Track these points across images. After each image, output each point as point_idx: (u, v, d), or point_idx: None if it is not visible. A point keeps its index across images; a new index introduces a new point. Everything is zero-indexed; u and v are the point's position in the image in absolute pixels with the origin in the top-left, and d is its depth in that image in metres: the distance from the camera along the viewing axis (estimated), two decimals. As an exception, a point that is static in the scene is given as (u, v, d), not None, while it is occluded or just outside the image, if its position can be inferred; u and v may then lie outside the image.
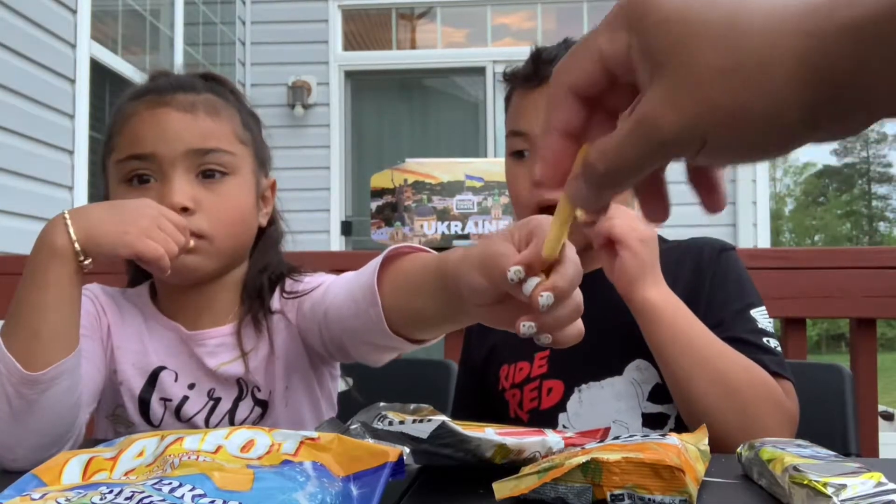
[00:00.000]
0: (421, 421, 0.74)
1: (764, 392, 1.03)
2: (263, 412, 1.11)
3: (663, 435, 0.76)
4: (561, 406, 1.14)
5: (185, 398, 1.10)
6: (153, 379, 1.10)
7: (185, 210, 1.03)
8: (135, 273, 1.20)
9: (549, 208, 1.11)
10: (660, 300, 1.04)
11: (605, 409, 1.11)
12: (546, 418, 1.14)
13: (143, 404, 1.10)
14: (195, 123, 1.07)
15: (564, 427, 1.12)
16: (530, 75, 1.18)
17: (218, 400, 1.10)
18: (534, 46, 1.19)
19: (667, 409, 1.10)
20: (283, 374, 1.11)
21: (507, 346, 1.23)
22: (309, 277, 1.12)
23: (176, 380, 1.10)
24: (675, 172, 0.49)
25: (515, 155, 1.19)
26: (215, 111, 1.09)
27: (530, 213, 1.14)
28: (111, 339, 1.12)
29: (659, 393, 1.10)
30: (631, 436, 0.78)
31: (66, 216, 0.94)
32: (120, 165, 1.07)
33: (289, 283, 1.13)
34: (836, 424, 1.31)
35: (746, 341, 1.07)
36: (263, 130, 1.19)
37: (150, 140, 1.05)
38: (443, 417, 0.73)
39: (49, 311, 0.92)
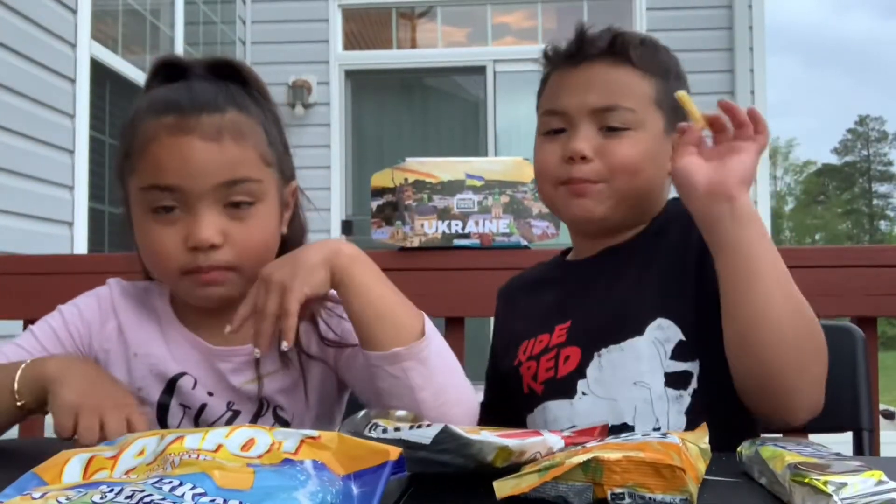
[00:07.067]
0: (419, 426, 0.73)
1: (818, 329, 1.01)
2: None
3: (666, 437, 0.76)
4: (579, 372, 1.12)
5: (205, 405, 1.09)
6: (171, 386, 1.09)
7: (212, 246, 1.02)
8: (148, 276, 1.16)
9: (573, 183, 1.14)
10: (755, 210, 1.03)
11: (627, 371, 1.10)
12: (563, 387, 1.13)
13: (162, 409, 1.09)
14: (221, 154, 1.02)
15: (584, 394, 1.11)
16: (574, 53, 1.17)
17: (237, 413, 1.10)
18: (578, 25, 1.18)
19: (690, 366, 1.09)
20: (314, 403, 1.11)
21: (529, 320, 1.22)
22: (340, 308, 1.06)
23: (194, 386, 1.09)
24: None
25: (549, 133, 1.19)
26: (241, 135, 1.04)
27: (555, 187, 1.17)
28: (125, 345, 1.11)
29: (682, 350, 1.09)
30: (631, 435, 0.78)
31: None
32: (144, 193, 1.04)
33: (325, 315, 1.10)
34: (847, 391, 1.29)
35: None
36: (286, 129, 1.14)
37: (173, 172, 1.01)
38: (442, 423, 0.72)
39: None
